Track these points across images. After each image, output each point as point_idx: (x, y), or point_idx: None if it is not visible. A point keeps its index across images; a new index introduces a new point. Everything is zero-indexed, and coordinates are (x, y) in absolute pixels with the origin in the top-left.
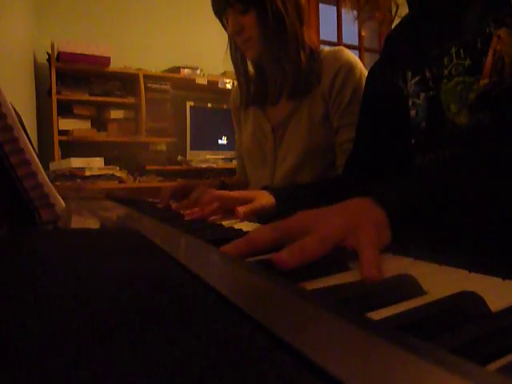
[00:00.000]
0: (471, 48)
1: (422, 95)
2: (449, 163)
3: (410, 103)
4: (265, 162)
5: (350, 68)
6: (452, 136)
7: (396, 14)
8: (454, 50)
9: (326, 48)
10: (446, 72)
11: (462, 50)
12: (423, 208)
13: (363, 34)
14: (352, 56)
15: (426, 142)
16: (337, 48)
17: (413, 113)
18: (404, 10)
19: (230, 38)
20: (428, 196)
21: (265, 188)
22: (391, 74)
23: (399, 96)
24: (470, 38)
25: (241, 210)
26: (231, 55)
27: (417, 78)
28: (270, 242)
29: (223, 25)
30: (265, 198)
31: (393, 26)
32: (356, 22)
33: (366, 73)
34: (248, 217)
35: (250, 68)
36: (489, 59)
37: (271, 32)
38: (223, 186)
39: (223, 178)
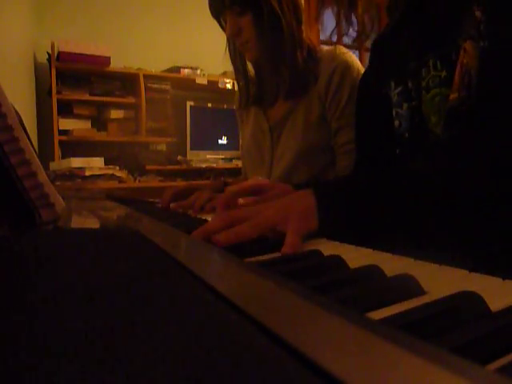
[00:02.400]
0: (447, 60)
1: (405, 105)
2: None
3: (394, 113)
4: (262, 162)
5: (346, 67)
6: (433, 147)
7: (372, 30)
8: (431, 62)
9: (325, 47)
10: (423, 84)
11: (438, 62)
12: (348, 202)
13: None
14: (349, 55)
15: (409, 152)
16: (334, 47)
17: (396, 123)
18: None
19: (228, 39)
20: (356, 193)
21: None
22: (378, 83)
23: (387, 104)
24: (446, 50)
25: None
26: (230, 56)
27: (399, 89)
28: (222, 229)
29: (221, 26)
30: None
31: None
32: (335, 35)
33: (363, 71)
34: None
35: (250, 68)
36: (457, 73)
37: (267, 33)
38: (225, 187)
39: (225, 178)
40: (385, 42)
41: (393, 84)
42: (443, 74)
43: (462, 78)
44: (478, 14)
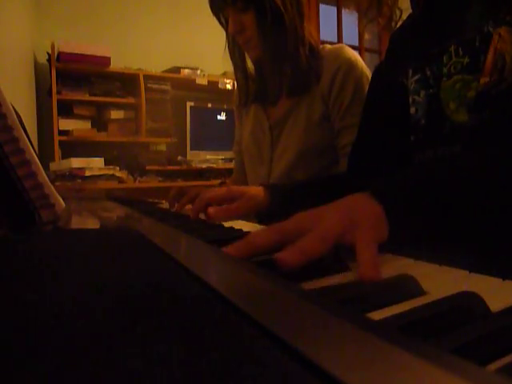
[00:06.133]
0: (470, 46)
1: (423, 93)
2: (446, 160)
3: (411, 100)
4: (262, 161)
5: (350, 66)
6: (450, 133)
7: (399, 19)
8: (453, 48)
9: (328, 46)
10: (445, 70)
11: (460, 49)
12: (420, 200)
13: (366, 36)
14: (353, 54)
15: (424, 139)
16: (338, 45)
17: (412, 110)
18: (407, 15)
19: (228, 36)
20: (425, 188)
21: (261, 185)
22: (395, 72)
23: (402, 93)
24: (468, 37)
25: (211, 210)
26: (230, 53)
27: (417, 76)
28: (270, 245)
29: (221, 23)
30: (252, 196)
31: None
32: (358, 25)
33: (367, 71)
34: (220, 218)
35: (250, 65)
36: (489, 57)
37: (270, 30)
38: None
39: (226, 180)
40: (403, 34)
41: (410, 72)
42: (465, 60)
43: (495, 63)
44: None
